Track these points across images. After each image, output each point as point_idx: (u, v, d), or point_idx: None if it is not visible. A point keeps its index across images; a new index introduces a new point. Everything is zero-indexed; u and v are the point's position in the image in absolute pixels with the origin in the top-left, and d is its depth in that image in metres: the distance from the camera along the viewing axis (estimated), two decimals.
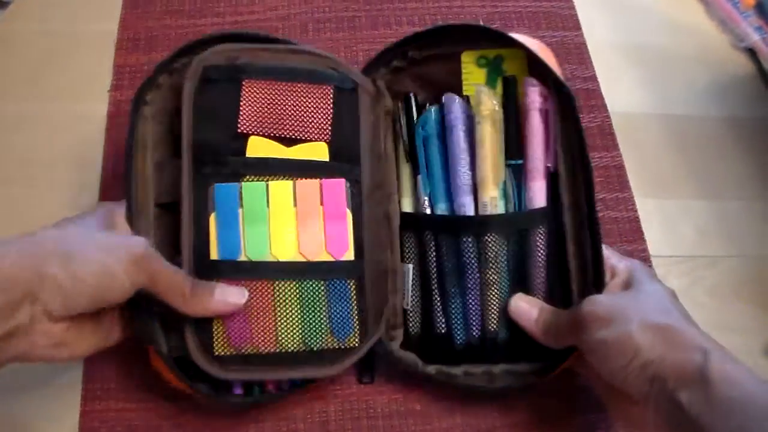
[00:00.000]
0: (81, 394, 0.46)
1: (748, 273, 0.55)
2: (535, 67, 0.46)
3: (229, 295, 0.41)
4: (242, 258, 0.43)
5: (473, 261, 0.45)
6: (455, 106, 0.46)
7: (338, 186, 0.45)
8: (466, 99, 0.47)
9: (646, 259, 0.55)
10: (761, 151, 0.61)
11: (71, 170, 0.53)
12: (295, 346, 0.43)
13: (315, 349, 0.43)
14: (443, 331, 0.46)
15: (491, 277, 0.45)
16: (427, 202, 0.48)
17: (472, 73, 0.48)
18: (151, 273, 0.38)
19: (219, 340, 0.42)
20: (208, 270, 0.42)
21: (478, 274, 0.46)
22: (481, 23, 0.62)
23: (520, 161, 0.46)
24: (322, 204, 0.44)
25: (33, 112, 0.56)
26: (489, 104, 0.45)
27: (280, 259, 0.43)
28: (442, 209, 0.47)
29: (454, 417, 0.47)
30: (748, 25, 0.66)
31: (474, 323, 0.46)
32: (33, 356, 0.36)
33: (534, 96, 0.45)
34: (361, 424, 0.46)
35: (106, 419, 0.45)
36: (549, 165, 0.45)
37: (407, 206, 0.49)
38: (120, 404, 0.45)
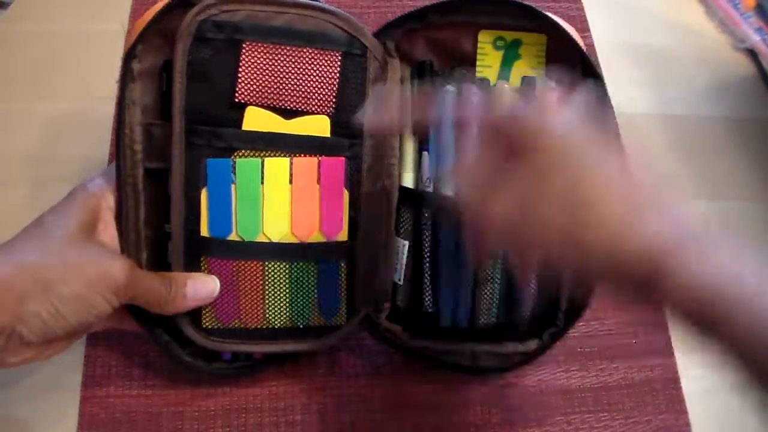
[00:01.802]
0: (81, 380, 0.46)
1: None
2: (559, 53, 0.44)
3: (201, 291, 0.41)
4: (233, 237, 0.41)
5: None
6: (472, 98, 0.43)
7: (337, 164, 0.43)
8: (479, 81, 0.45)
9: None
10: (761, 152, 0.61)
11: (75, 168, 0.52)
12: (281, 323, 0.43)
13: (301, 326, 0.43)
14: (431, 310, 0.46)
15: (487, 273, 0.45)
16: (430, 182, 0.46)
17: (488, 55, 0.45)
18: (131, 295, 0.38)
19: (208, 314, 0.42)
20: (197, 247, 0.41)
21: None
22: None
23: None
24: (319, 183, 0.43)
25: (33, 112, 0.56)
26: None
27: (273, 240, 0.42)
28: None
29: (450, 412, 0.47)
30: (749, 26, 0.66)
31: (463, 314, 0.46)
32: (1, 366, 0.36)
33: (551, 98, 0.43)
34: (359, 417, 0.46)
35: (106, 405, 0.45)
36: None
37: (408, 181, 0.47)
38: (120, 390, 0.45)
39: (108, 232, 0.41)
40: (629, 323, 0.52)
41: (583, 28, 0.63)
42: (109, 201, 0.41)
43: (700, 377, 0.50)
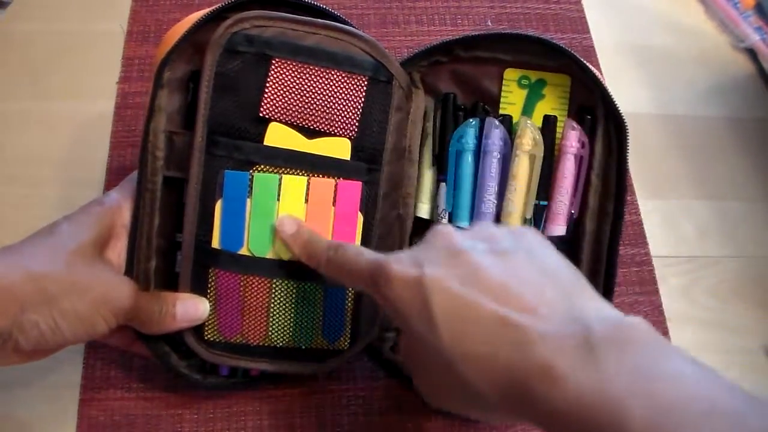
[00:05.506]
0: (80, 383, 0.45)
1: (748, 273, 0.55)
2: (581, 92, 0.44)
3: (191, 312, 0.41)
4: (244, 251, 0.41)
5: None
6: (494, 132, 0.44)
7: (354, 188, 0.43)
8: (502, 118, 0.45)
9: (647, 261, 0.54)
10: (761, 152, 0.61)
11: (74, 168, 0.52)
12: (283, 342, 0.43)
13: (303, 347, 0.43)
14: None
15: None
16: (445, 213, 0.46)
17: (512, 92, 0.45)
18: (130, 318, 0.38)
19: (210, 326, 0.42)
20: (207, 258, 0.41)
21: None
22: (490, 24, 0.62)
23: (544, 203, 0.44)
24: (334, 205, 0.43)
25: (34, 111, 0.56)
26: (531, 141, 0.43)
27: (283, 258, 0.42)
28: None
29: (450, 414, 0.47)
30: (748, 26, 0.66)
31: None
32: None
33: (573, 140, 0.43)
34: (357, 420, 0.46)
35: (105, 408, 0.45)
36: (573, 212, 0.44)
37: (423, 212, 0.47)
38: (119, 393, 0.45)
39: (117, 249, 0.41)
40: None
41: (584, 29, 0.63)
42: (123, 218, 0.41)
43: None
